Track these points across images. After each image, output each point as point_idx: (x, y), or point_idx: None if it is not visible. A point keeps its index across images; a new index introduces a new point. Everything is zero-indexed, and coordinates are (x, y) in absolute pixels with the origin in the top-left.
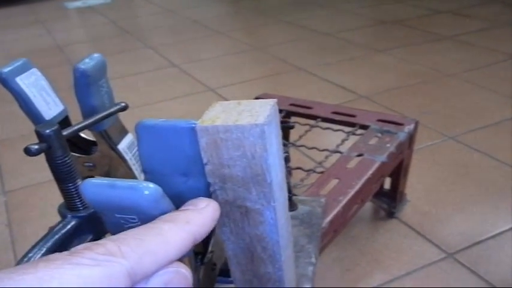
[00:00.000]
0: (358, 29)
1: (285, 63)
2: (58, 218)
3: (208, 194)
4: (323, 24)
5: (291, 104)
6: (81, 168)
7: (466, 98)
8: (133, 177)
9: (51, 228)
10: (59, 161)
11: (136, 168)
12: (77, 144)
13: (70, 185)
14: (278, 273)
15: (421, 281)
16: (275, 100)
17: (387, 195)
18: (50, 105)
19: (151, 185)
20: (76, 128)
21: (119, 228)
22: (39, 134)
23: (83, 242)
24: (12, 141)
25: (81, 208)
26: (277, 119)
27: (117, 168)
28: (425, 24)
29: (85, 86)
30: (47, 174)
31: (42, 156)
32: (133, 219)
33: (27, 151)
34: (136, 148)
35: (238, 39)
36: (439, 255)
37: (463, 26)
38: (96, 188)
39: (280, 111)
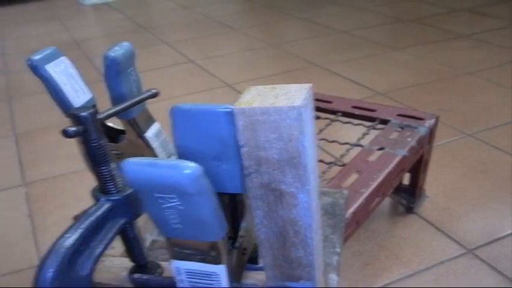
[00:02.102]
0: (374, 27)
1: (301, 59)
2: (78, 209)
3: (242, 178)
4: (339, 21)
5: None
6: (111, 155)
7: (483, 95)
8: None
9: (76, 218)
10: (94, 144)
11: (162, 156)
12: (105, 132)
13: (104, 168)
14: (309, 257)
15: (441, 276)
16: (310, 85)
17: (406, 191)
18: (78, 93)
19: (191, 164)
20: (111, 111)
21: (156, 208)
22: (75, 117)
23: (115, 225)
24: (31, 134)
25: (114, 191)
26: (312, 103)
27: (143, 155)
28: (442, 23)
29: (115, 73)
30: (66, 167)
31: (61, 149)
32: (173, 198)
33: (65, 133)
34: (163, 136)
35: (254, 36)
36: (459, 250)
37: (480, 25)
38: (136, 166)
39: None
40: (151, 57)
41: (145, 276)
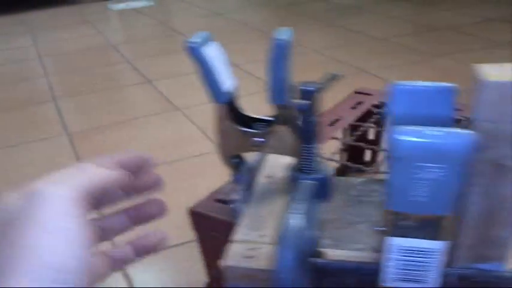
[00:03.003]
0: (411, 35)
1: (344, 64)
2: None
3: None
4: (375, 29)
5: None
6: (249, 144)
7: None
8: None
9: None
10: (310, 119)
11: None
12: (244, 120)
13: (310, 146)
14: (510, 237)
15: None
16: None
17: None
18: (226, 78)
19: (467, 133)
20: (327, 85)
21: (406, 178)
22: (304, 92)
23: (316, 206)
24: (87, 134)
25: (312, 171)
26: None
27: (287, 143)
28: (478, 31)
29: (281, 58)
30: None
31: (119, 147)
32: (437, 168)
33: (299, 107)
34: None
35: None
36: None
37: None
38: (410, 133)
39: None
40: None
41: (323, 260)
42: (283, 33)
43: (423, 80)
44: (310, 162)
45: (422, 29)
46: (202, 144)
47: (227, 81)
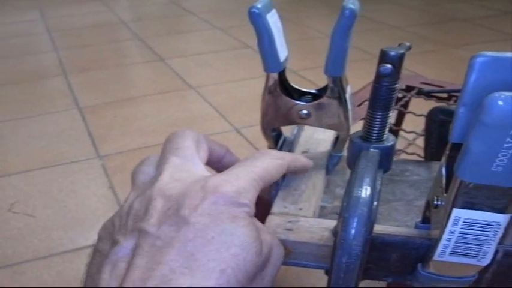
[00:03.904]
0: (428, 25)
1: (360, 50)
2: None
3: None
4: (391, 17)
5: (422, 83)
6: (295, 116)
7: None
8: (347, 128)
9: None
10: (388, 86)
11: (350, 120)
12: (291, 92)
13: (381, 113)
14: None
15: None
16: None
17: None
18: (282, 48)
19: None
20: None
21: (491, 148)
22: (387, 56)
23: (380, 175)
24: (97, 109)
25: (378, 140)
26: None
27: (332, 118)
28: (494, 23)
29: (347, 27)
30: (141, 141)
31: (132, 124)
32: None
33: (382, 71)
34: (352, 100)
35: (309, 26)
36: None
37: None
38: (510, 99)
39: (413, 88)
40: (206, 42)
41: (371, 234)
42: (352, 3)
43: (438, 69)
44: (378, 130)
45: (438, 19)
46: (218, 122)
47: (282, 50)
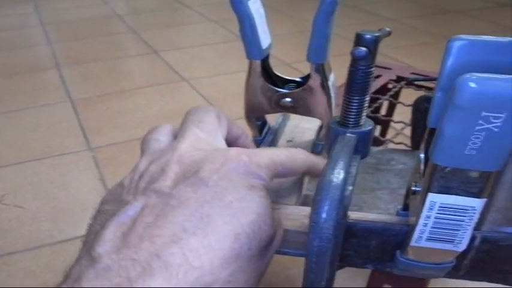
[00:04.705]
0: (423, 17)
1: (352, 42)
2: None
3: None
4: (386, 10)
5: (412, 73)
6: (278, 104)
7: None
8: (330, 116)
9: None
10: (364, 70)
11: (333, 108)
12: (275, 80)
13: (358, 97)
14: None
15: None
16: None
17: None
18: (265, 35)
19: None
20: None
21: (466, 129)
22: (362, 38)
23: (354, 161)
24: (89, 101)
25: (355, 125)
26: None
27: (315, 105)
28: (489, 15)
29: (329, 13)
30: (132, 133)
31: (124, 116)
32: (498, 118)
33: (356, 53)
34: (335, 88)
35: (303, 18)
36: None
37: None
38: (482, 80)
39: (402, 78)
40: (199, 34)
41: (350, 220)
42: None
43: (433, 61)
44: (355, 115)
45: (433, 11)
46: None
47: (264, 37)
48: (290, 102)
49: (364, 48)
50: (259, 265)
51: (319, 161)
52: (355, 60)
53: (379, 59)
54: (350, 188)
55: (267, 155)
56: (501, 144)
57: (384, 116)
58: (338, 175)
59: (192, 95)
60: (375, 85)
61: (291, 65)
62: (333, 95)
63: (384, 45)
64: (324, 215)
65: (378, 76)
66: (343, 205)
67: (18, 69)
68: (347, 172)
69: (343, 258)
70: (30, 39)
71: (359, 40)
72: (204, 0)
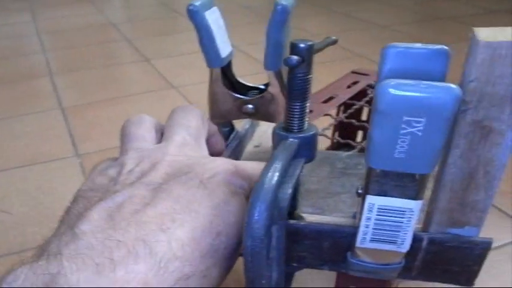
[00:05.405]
0: (413, 23)
1: (343, 50)
2: None
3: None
4: (377, 17)
5: None
6: (241, 111)
7: None
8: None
9: None
10: (302, 77)
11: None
12: (238, 87)
13: (299, 104)
14: (487, 201)
15: (510, 256)
16: None
17: None
18: (224, 44)
19: (455, 87)
20: (321, 45)
21: (392, 133)
22: (296, 47)
23: (299, 165)
24: (79, 109)
25: (298, 130)
26: None
27: (276, 111)
28: (480, 22)
29: (281, 22)
30: (117, 140)
31: (113, 124)
32: (420, 122)
33: (288, 61)
34: None
35: (293, 26)
36: None
37: None
38: (398, 87)
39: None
40: (191, 42)
41: (302, 223)
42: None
43: None
44: (297, 120)
45: (425, 18)
46: None
47: (224, 46)
48: (252, 108)
49: (295, 57)
50: (230, 263)
51: None
52: (290, 69)
53: (369, 66)
54: (289, 190)
55: (250, 167)
56: (426, 147)
57: (357, 121)
58: (271, 178)
59: (180, 102)
60: (351, 92)
61: None
62: None
63: (374, 52)
64: (255, 216)
65: (356, 82)
66: (278, 206)
67: (10, 78)
68: (282, 175)
69: (300, 260)
70: (25, 48)
71: (292, 49)
72: None
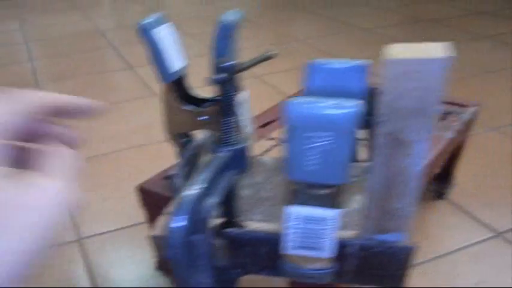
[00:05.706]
0: (397, 26)
1: (325, 54)
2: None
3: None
4: (363, 20)
5: None
6: (195, 122)
7: (508, 93)
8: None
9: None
10: (230, 93)
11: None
12: (192, 100)
13: (231, 118)
14: (408, 209)
15: (473, 256)
16: (448, 43)
17: (438, 177)
18: (175, 59)
19: (354, 103)
20: (246, 65)
21: (300, 148)
22: (220, 67)
23: (230, 176)
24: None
25: (232, 143)
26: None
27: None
28: (462, 24)
29: (225, 38)
30: (98, 148)
31: (94, 131)
32: (325, 137)
33: (214, 81)
34: (248, 104)
35: (277, 31)
36: (488, 233)
37: (501, 27)
38: (302, 104)
39: None
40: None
41: (239, 230)
42: (231, 15)
43: None
44: (228, 134)
45: (409, 20)
46: None
47: (175, 61)
48: (207, 119)
49: (223, 75)
50: None
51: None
52: (219, 86)
53: None
54: (213, 201)
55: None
56: (336, 159)
57: None
58: (191, 191)
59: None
60: None
61: (261, 78)
62: (244, 111)
63: (357, 56)
64: (173, 225)
65: None
66: (200, 218)
67: None
68: (207, 188)
69: (242, 266)
70: (12, 56)
71: (217, 68)
72: (188, 14)
